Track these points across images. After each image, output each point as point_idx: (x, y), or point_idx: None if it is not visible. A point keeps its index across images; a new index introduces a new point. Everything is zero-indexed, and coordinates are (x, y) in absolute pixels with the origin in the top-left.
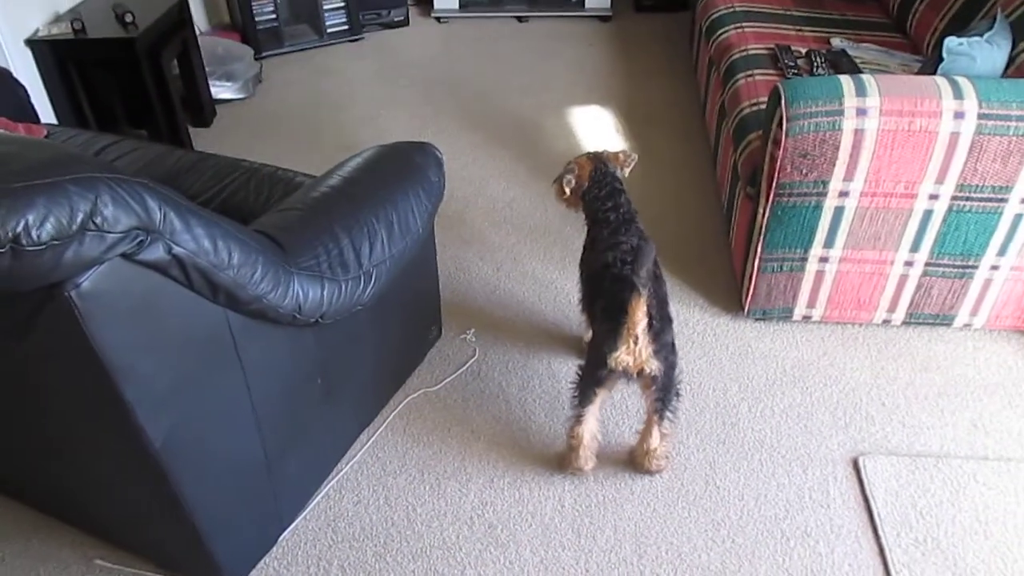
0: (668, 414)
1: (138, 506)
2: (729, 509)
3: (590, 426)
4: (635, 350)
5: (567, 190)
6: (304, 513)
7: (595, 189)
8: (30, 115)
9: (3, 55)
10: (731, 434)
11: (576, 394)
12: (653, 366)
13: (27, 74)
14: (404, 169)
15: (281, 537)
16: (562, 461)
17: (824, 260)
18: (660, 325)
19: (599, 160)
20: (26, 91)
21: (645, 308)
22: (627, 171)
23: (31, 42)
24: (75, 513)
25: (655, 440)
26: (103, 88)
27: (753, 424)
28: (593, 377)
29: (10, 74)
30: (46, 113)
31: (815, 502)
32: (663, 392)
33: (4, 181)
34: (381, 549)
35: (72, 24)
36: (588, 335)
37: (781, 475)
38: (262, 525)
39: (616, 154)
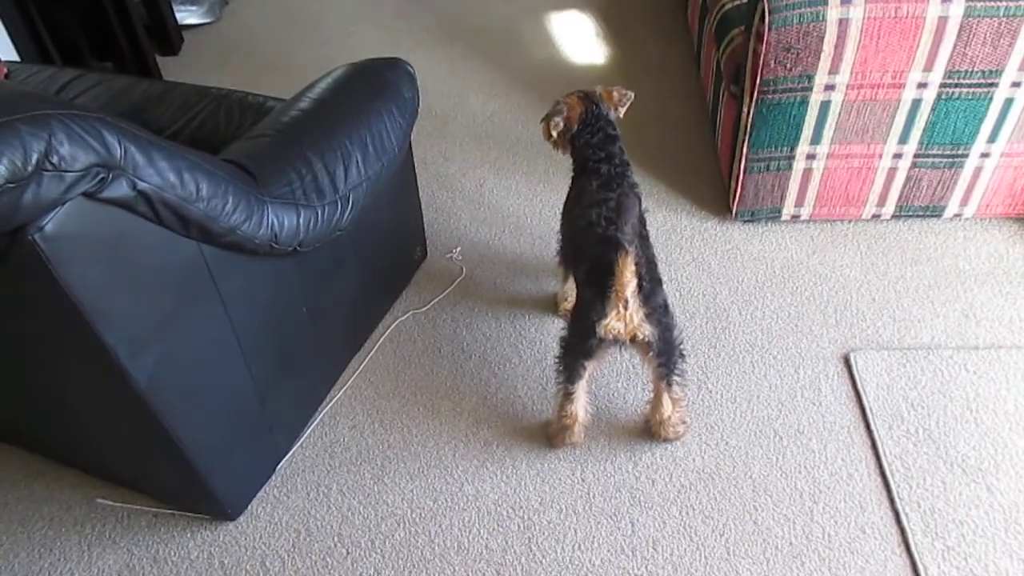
0: (676, 378)
1: (134, 445)
2: (722, 412)
3: (582, 402)
4: (625, 315)
5: (554, 133)
6: (300, 441)
7: (586, 134)
8: None
9: None
10: (722, 338)
11: (562, 368)
12: (646, 331)
13: None
14: (376, 87)
15: (279, 466)
16: (552, 439)
17: (811, 157)
18: (650, 287)
19: (591, 101)
20: None
21: (633, 268)
22: (622, 111)
23: None
24: (75, 455)
25: (667, 408)
26: (64, 20)
27: (744, 327)
28: (581, 349)
29: None
30: (6, 50)
31: (807, 400)
32: (664, 357)
33: None
34: (379, 471)
35: None
36: (566, 292)
37: (773, 376)
38: (258, 455)
39: (610, 92)
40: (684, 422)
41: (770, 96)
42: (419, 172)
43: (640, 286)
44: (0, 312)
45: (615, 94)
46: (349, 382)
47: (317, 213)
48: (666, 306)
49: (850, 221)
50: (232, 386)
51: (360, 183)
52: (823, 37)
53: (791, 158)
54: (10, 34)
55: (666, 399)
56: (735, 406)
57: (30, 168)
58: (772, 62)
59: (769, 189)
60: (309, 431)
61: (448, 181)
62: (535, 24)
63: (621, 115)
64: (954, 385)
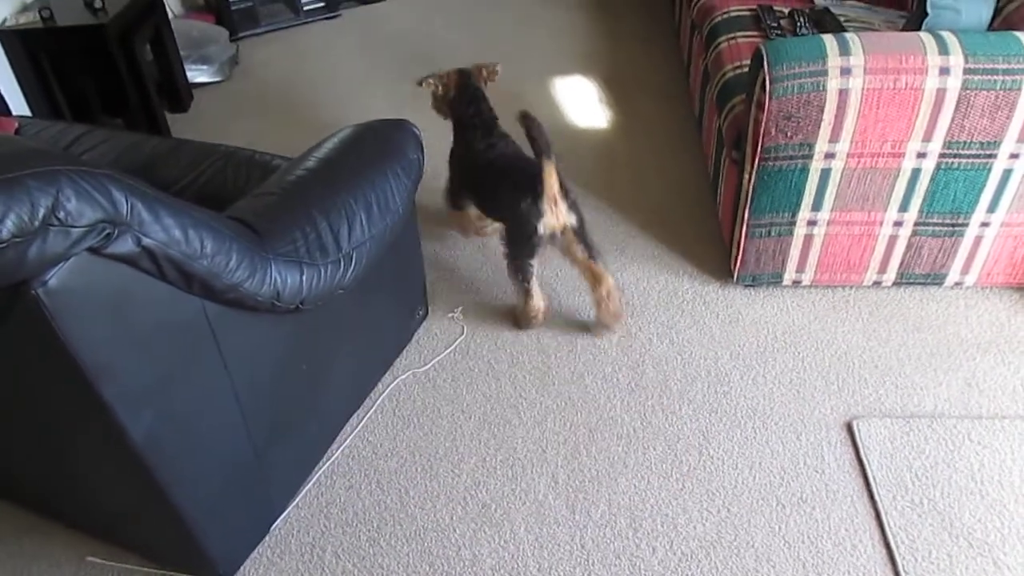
0: (596, 254)
1: (126, 502)
2: (724, 478)
3: (539, 294)
4: (556, 211)
5: (431, 91)
6: (296, 501)
7: (463, 99)
8: (0, 108)
9: None
10: (723, 403)
11: (516, 273)
12: (572, 219)
13: None
14: (382, 148)
15: (273, 526)
16: (522, 326)
17: (812, 223)
18: (564, 185)
19: (464, 74)
20: None
21: (556, 172)
22: (491, 83)
23: None
24: (67, 511)
25: (607, 281)
26: (76, 77)
27: (745, 392)
28: (528, 249)
29: None
30: (19, 105)
31: (810, 468)
32: (584, 238)
33: None
34: (375, 533)
35: (40, 13)
36: (471, 216)
37: (775, 442)
38: (253, 515)
39: (480, 68)
40: (619, 315)
41: (771, 163)
42: (423, 232)
43: (561, 186)
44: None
45: (484, 70)
46: (347, 441)
47: (320, 271)
48: (575, 199)
49: (851, 287)
50: (229, 443)
51: (364, 242)
52: (823, 107)
53: (792, 224)
54: (23, 89)
55: (600, 270)
56: (736, 472)
57: (37, 223)
58: (773, 130)
59: (770, 254)
60: (305, 491)
61: (451, 241)
62: (539, 88)
63: (489, 85)
64: (959, 455)
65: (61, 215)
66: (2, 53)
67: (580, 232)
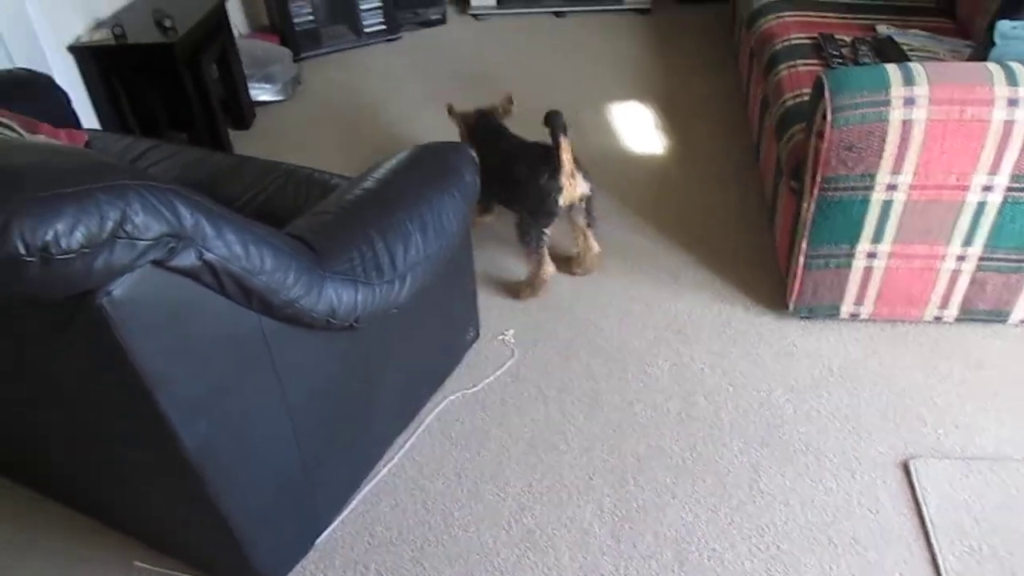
0: (593, 222)
1: (175, 510)
2: (774, 514)
3: (547, 257)
4: (574, 183)
5: (456, 123)
6: (341, 516)
7: (485, 133)
8: (72, 121)
9: (45, 61)
10: (776, 437)
11: (531, 241)
12: (587, 188)
13: (70, 80)
14: (438, 170)
15: (318, 540)
16: (534, 292)
17: (872, 256)
18: (577, 159)
19: (482, 113)
20: (67, 97)
21: (570, 149)
22: (507, 116)
23: (73, 48)
24: (116, 516)
25: (595, 245)
26: (145, 92)
27: (799, 426)
28: (545, 220)
29: (52, 80)
30: (89, 119)
31: (864, 507)
32: (591, 208)
33: (33, 190)
34: (418, 553)
35: (113, 30)
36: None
37: (828, 479)
38: (299, 529)
39: (495, 106)
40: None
41: (831, 193)
42: (476, 254)
43: (573, 159)
44: (59, 372)
45: (500, 107)
46: (394, 459)
47: (375, 290)
48: (586, 170)
49: (911, 322)
50: (279, 456)
51: (419, 262)
52: (886, 137)
53: (851, 256)
54: (93, 103)
55: (592, 241)
56: (788, 509)
57: (105, 235)
58: (833, 160)
59: (828, 286)
60: (351, 507)
61: (503, 264)
62: (595, 112)
63: (509, 113)
64: (1021, 500)
65: (128, 228)
66: (76, 68)
67: (590, 202)
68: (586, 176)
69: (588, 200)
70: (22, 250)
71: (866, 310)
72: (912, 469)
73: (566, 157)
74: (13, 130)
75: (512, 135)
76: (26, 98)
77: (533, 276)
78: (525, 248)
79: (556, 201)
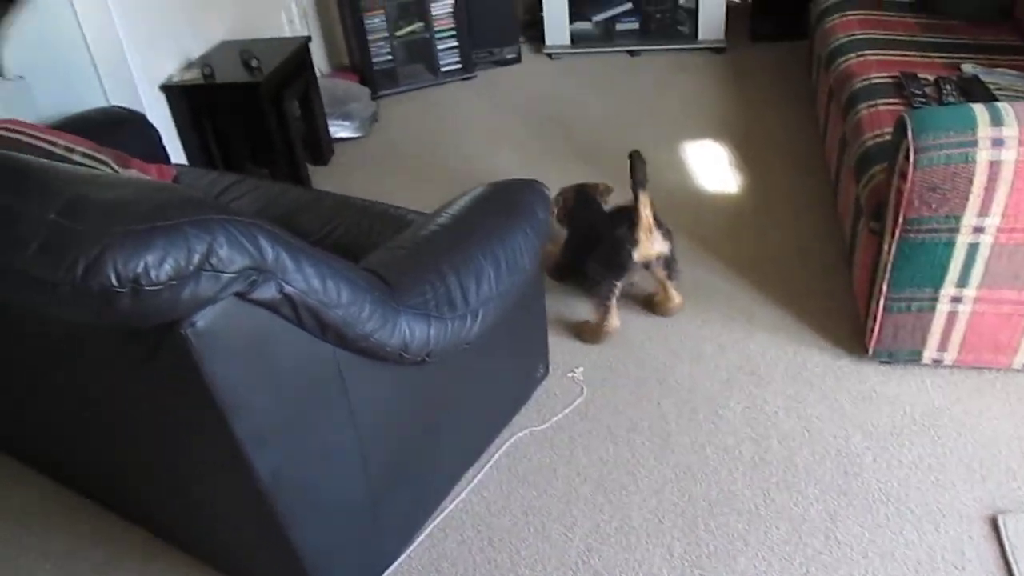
0: (675, 276)
1: (245, 537)
2: (852, 567)
3: (615, 313)
4: (651, 240)
5: (555, 209)
6: (408, 551)
7: (579, 207)
8: (162, 156)
9: (139, 100)
10: (854, 485)
11: (600, 291)
12: (666, 248)
13: (161, 117)
14: (512, 207)
15: (384, 574)
16: (596, 339)
17: (956, 300)
18: (657, 217)
19: (582, 189)
20: (159, 134)
21: (650, 204)
22: (607, 200)
23: (165, 87)
24: (190, 540)
25: (676, 296)
26: (229, 129)
27: (878, 475)
28: (615, 272)
29: (144, 118)
30: (177, 154)
31: (948, 563)
32: (671, 264)
33: (128, 224)
34: None
35: (203, 70)
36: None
37: (910, 532)
38: (366, 561)
39: (596, 185)
40: (682, 303)
41: (913, 235)
42: (547, 291)
43: (654, 215)
44: (139, 400)
45: (600, 185)
46: (461, 495)
47: (447, 325)
48: (668, 228)
49: (999, 370)
50: (349, 488)
51: (490, 298)
52: (972, 179)
53: (935, 300)
54: (181, 139)
55: (672, 292)
56: (866, 561)
57: (192, 267)
58: (916, 201)
59: (909, 330)
60: (417, 541)
61: (574, 302)
62: (669, 150)
63: (607, 201)
64: None
65: (214, 261)
66: (166, 106)
67: (670, 259)
68: (666, 235)
69: (668, 259)
70: (114, 281)
71: (950, 356)
72: (1001, 524)
73: (645, 212)
74: (108, 165)
75: (601, 208)
76: (121, 134)
77: (597, 326)
78: (594, 299)
79: (630, 254)
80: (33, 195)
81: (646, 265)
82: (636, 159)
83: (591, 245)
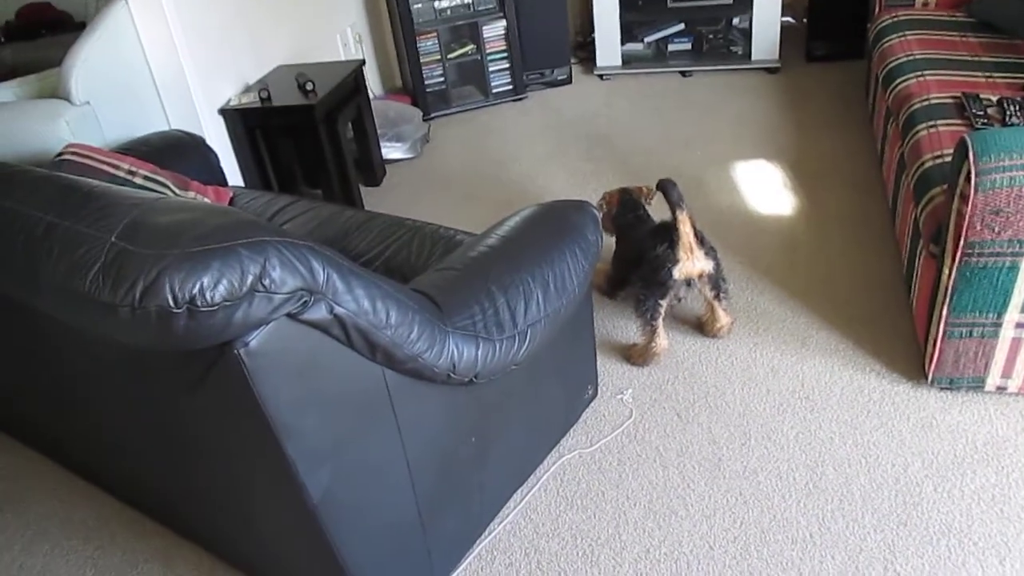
0: (723, 295)
1: (294, 555)
2: None
3: (663, 333)
4: (692, 257)
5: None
6: (455, 573)
7: (624, 211)
8: (219, 178)
9: (199, 123)
10: (913, 515)
11: (645, 312)
12: (709, 266)
13: (219, 140)
14: (561, 228)
15: None
16: (644, 361)
17: (1022, 326)
18: (700, 234)
19: (625, 192)
20: (217, 156)
21: (689, 222)
22: (651, 202)
23: (223, 111)
24: (241, 555)
25: (722, 317)
26: (284, 151)
27: (939, 505)
28: (660, 292)
29: (204, 141)
30: (234, 175)
31: None
32: (718, 283)
33: (185, 246)
34: None
35: (260, 93)
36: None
37: (973, 565)
38: None
39: (640, 188)
40: (731, 329)
41: (975, 259)
42: (596, 312)
43: (696, 234)
44: (192, 420)
45: (644, 188)
46: (509, 517)
47: (496, 346)
48: (712, 247)
49: None
50: (397, 509)
51: (539, 320)
52: None
53: (998, 325)
54: (239, 161)
55: (720, 312)
56: None
57: (245, 289)
58: (978, 224)
59: (971, 356)
60: (465, 563)
61: (623, 324)
62: (721, 171)
63: (651, 204)
64: None
65: (267, 282)
66: (224, 129)
67: (715, 277)
68: (709, 253)
69: (713, 277)
70: (171, 303)
71: (1015, 384)
72: None
73: (684, 230)
74: (168, 188)
75: (647, 214)
76: (181, 157)
77: (644, 348)
78: (639, 319)
79: (670, 273)
80: (95, 218)
81: (688, 283)
82: (666, 184)
83: (639, 259)
